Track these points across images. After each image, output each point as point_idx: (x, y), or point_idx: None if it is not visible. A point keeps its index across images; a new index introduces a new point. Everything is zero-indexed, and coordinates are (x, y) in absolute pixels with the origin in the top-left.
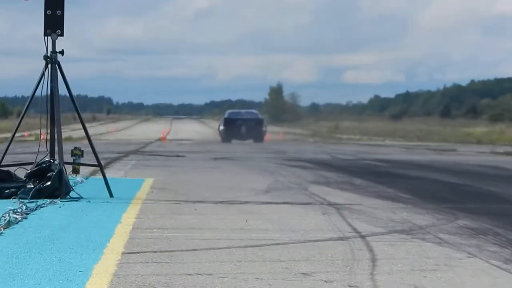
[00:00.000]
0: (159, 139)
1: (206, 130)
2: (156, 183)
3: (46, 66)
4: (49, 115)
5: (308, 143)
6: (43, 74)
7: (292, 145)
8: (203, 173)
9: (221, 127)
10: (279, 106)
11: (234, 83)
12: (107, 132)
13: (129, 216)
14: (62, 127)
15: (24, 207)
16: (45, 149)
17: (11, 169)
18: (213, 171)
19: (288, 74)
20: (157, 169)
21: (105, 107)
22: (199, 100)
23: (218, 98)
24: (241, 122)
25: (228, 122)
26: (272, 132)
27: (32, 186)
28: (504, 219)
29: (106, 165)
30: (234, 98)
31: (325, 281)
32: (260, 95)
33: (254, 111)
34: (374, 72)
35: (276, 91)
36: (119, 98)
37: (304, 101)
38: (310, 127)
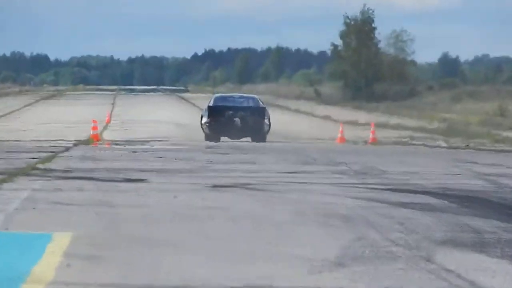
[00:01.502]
0: (87, 140)
1: (193, 117)
2: (80, 245)
3: None
4: None
5: (435, 150)
6: None
7: (397, 155)
8: (188, 222)
9: (204, 119)
10: (365, 63)
11: (257, 11)
12: None
13: None
14: None
15: None
16: None
17: None
18: (212, 217)
19: None
20: (81, 212)
21: None
22: (178, 49)
23: (221, 45)
24: (233, 113)
25: (214, 112)
26: (348, 123)
27: None
28: None
29: None
30: (259, 45)
31: None
32: (321, 40)
33: (252, 96)
34: None
35: (358, 29)
36: None
37: (426, 53)
38: (441, 113)
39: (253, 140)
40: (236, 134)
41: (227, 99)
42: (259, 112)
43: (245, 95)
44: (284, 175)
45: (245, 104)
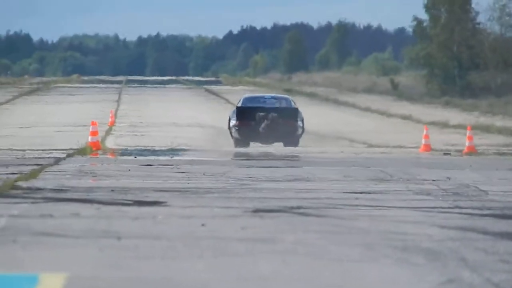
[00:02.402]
0: (84, 149)
1: (227, 118)
2: None
3: None
4: None
5: None
6: None
7: (503, 170)
8: (222, 258)
9: (233, 122)
10: (458, 45)
11: None
12: None
13: None
14: None
15: None
16: None
17: None
18: (252, 251)
19: None
20: (78, 246)
21: None
22: (206, 26)
23: (264, 19)
24: (263, 115)
25: (243, 115)
26: (436, 125)
27: None
28: None
29: None
30: (315, 20)
31: None
32: (399, 14)
33: (285, 96)
34: None
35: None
36: None
37: None
38: None
39: (285, 145)
40: (267, 138)
41: (257, 99)
42: (292, 114)
43: (276, 95)
44: (348, 196)
45: (276, 105)
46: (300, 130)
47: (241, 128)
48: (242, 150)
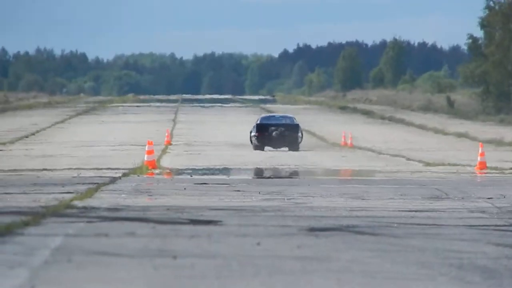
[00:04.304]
0: (140, 168)
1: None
2: None
3: None
4: None
5: None
6: None
7: None
8: (277, 277)
9: (253, 133)
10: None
11: None
12: None
13: None
14: None
15: None
16: None
17: None
18: (308, 270)
19: None
20: (133, 265)
21: None
22: (261, 45)
23: (319, 38)
24: (274, 128)
25: (260, 128)
26: (491, 143)
27: None
28: None
29: None
30: (370, 37)
31: None
32: (454, 31)
33: (289, 115)
34: None
35: (505, 16)
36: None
37: None
38: None
39: (289, 150)
40: (277, 144)
41: (270, 118)
42: (294, 128)
43: (283, 115)
44: (403, 215)
45: (283, 121)
46: (299, 139)
47: (259, 137)
48: (298, 167)
